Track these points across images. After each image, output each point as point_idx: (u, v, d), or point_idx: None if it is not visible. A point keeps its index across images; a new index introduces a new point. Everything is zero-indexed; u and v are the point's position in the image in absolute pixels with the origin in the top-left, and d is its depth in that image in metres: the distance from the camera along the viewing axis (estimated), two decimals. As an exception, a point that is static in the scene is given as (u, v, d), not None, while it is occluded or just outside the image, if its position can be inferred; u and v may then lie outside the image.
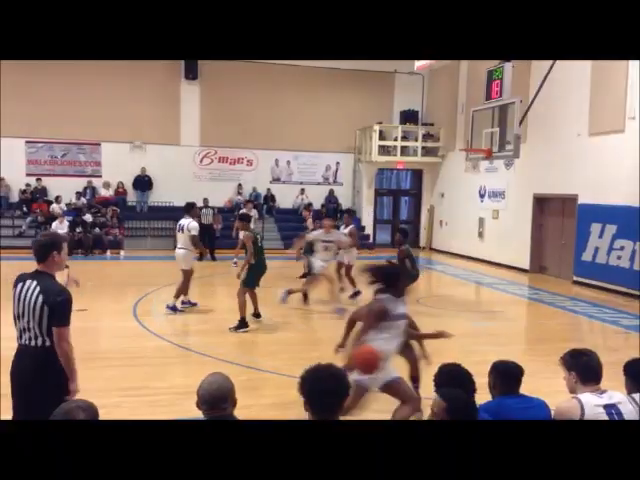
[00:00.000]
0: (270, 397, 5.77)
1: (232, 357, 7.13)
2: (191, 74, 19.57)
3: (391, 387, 4.61)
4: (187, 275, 9.82)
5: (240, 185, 20.32)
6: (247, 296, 8.86)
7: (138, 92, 19.10)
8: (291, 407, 2.87)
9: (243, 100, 19.82)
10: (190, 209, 10.15)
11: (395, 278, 4.71)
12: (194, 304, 10.12)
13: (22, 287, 3.68)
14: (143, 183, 19.46)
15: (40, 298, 3.58)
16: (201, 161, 20.25)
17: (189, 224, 9.70)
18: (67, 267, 3.92)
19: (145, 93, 19.17)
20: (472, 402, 3.04)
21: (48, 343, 3.60)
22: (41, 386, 3.56)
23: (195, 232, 9.71)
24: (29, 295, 3.61)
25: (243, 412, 2.94)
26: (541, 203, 15.50)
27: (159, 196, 19.61)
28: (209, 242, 16.66)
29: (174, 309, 9.65)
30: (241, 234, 10.95)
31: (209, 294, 12.56)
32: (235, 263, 15.21)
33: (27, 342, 3.64)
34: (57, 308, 3.57)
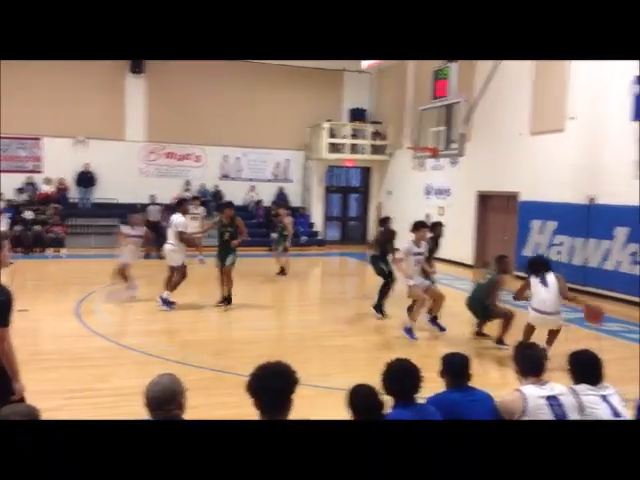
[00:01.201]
0: (219, 396, 5.71)
1: (180, 357, 7.02)
2: (137, 68, 19.10)
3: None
4: (180, 271, 9.80)
5: (188, 181, 20.01)
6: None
7: (82, 86, 18.51)
8: (241, 406, 2.84)
9: (191, 95, 19.51)
10: (179, 205, 10.26)
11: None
12: (173, 303, 9.86)
13: None
14: (86, 179, 18.89)
15: None
16: (147, 157, 19.84)
17: (176, 219, 9.81)
18: (11, 263, 3.80)
19: (89, 87, 18.58)
20: (374, 402, 3.01)
21: None
22: None
23: (182, 228, 9.79)
24: None
25: (192, 412, 2.89)
26: (484, 200, 15.91)
27: (103, 193, 19.08)
28: (156, 240, 16.35)
29: (167, 303, 9.72)
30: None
31: (155, 293, 12.31)
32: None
33: None
34: None
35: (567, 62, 12.74)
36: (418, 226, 8.68)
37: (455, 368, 3.59)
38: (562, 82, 12.97)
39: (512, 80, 14.05)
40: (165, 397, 2.69)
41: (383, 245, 9.48)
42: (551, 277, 7.41)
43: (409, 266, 8.40)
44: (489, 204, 15.89)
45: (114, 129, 19.12)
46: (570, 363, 3.67)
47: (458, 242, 16.38)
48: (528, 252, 13.91)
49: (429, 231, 9.10)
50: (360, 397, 3.03)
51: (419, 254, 8.46)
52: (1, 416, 2.43)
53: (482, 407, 3.45)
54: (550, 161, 13.26)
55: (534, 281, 7.40)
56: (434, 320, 8.79)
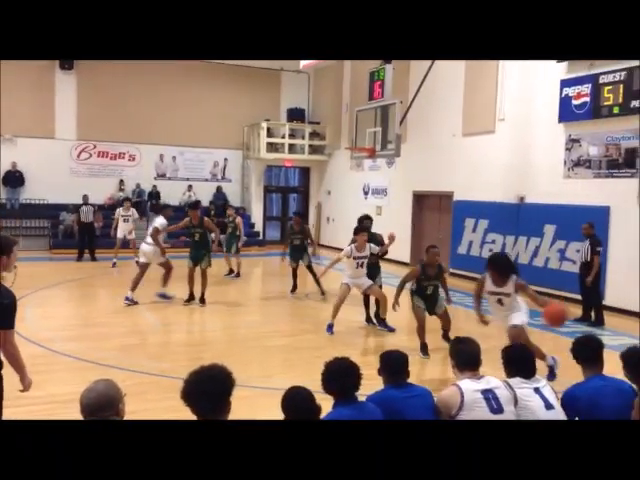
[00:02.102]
0: (156, 401, 5.60)
1: (115, 362, 6.84)
2: (67, 64, 18.45)
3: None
4: (167, 265, 10.34)
5: (122, 181, 19.49)
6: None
7: (8, 81, 17.62)
8: (180, 410, 2.80)
9: (124, 92, 19.00)
10: (160, 210, 11.10)
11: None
12: (136, 302, 10.08)
13: None
14: (14, 179, 18.09)
15: None
16: (78, 156, 19.18)
17: (156, 219, 10.50)
18: (15, 267, 3.82)
19: (17, 83, 17.72)
20: (309, 406, 2.99)
21: None
22: None
23: (157, 225, 10.20)
24: None
25: (130, 417, 2.83)
26: (420, 200, 16.28)
27: (32, 193, 18.32)
28: (89, 241, 15.87)
29: (165, 296, 10.41)
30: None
31: (89, 296, 11.95)
32: (114, 264, 14.60)
33: None
34: (2, 311, 3.55)
35: (497, 65, 13.21)
36: (357, 231, 8.71)
37: (393, 365, 3.66)
38: (492, 84, 13.42)
39: (445, 82, 14.43)
40: (100, 404, 2.62)
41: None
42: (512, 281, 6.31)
43: (349, 267, 8.54)
44: (424, 203, 16.26)
45: (43, 127, 18.40)
46: (504, 357, 3.80)
47: (395, 241, 16.66)
48: (462, 250, 14.33)
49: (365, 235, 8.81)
50: (295, 401, 3.01)
51: (360, 258, 8.52)
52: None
53: (421, 403, 3.53)
54: (482, 161, 13.70)
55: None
56: (382, 321, 8.90)
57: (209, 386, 2.68)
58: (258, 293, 13.22)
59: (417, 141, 15.57)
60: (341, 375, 3.26)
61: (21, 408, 4.79)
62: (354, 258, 8.48)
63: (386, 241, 8.93)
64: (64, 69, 18.53)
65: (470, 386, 3.48)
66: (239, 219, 13.61)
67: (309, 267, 11.50)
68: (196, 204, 10.83)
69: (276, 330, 8.94)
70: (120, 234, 15.00)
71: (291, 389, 3.10)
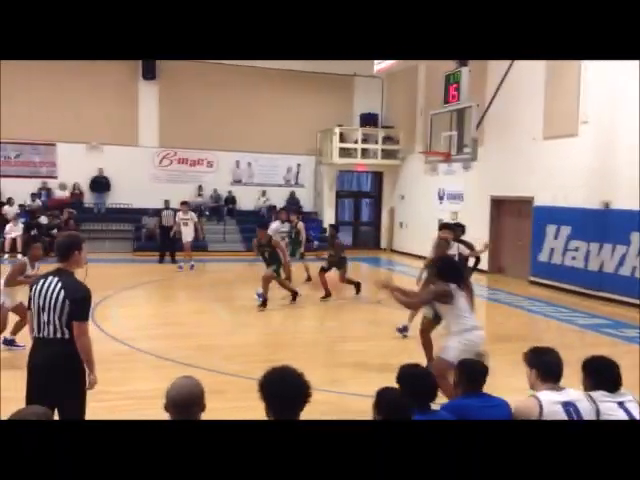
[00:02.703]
0: (235, 400, 5.73)
1: (193, 361, 7.05)
2: (150, 74, 19.28)
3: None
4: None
5: (200, 187, 20.13)
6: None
7: (95, 92, 18.71)
8: (257, 409, 2.85)
9: (203, 101, 19.64)
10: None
11: None
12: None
13: (43, 283, 3.90)
14: (100, 185, 19.07)
15: (62, 294, 3.82)
16: (160, 162, 19.97)
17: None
18: (86, 264, 4.19)
19: (102, 93, 18.79)
20: (403, 402, 2.96)
21: (67, 336, 3.84)
22: (60, 376, 3.78)
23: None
24: (50, 291, 3.85)
25: (208, 415, 2.91)
26: (498, 205, 15.84)
27: (117, 198, 19.25)
28: (169, 244, 16.43)
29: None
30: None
31: (169, 297, 12.40)
32: (180, 267, 15.01)
33: (47, 335, 3.85)
34: (78, 304, 3.84)
35: (580, 66, 12.67)
36: (441, 227, 8.62)
37: (473, 374, 3.57)
38: (575, 86, 12.89)
39: (524, 84, 14.00)
40: (192, 400, 2.72)
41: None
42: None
43: None
44: (503, 209, 15.81)
45: (127, 135, 19.29)
46: (585, 369, 3.61)
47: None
48: (544, 258, 13.83)
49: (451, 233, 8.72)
50: (388, 399, 2.97)
51: None
52: (20, 416, 2.47)
53: (498, 413, 3.42)
54: (564, 166, 13.17)
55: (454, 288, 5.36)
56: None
57: (287, 386, 2.72)
58: (331, 298, 13.25)
59: (495, 144, 15.16)
60: (414, 383, 3.21)
61: (103, 403, 5.02)
62: None
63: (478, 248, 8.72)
64: (147, 79, 19.36)
65: (550, 397, 3.34)
66: (301, 224, 13.62)
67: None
68: (264, 225, 11.21)
69: (348, 335, 8.95)
70: (184, 238, 15.32)
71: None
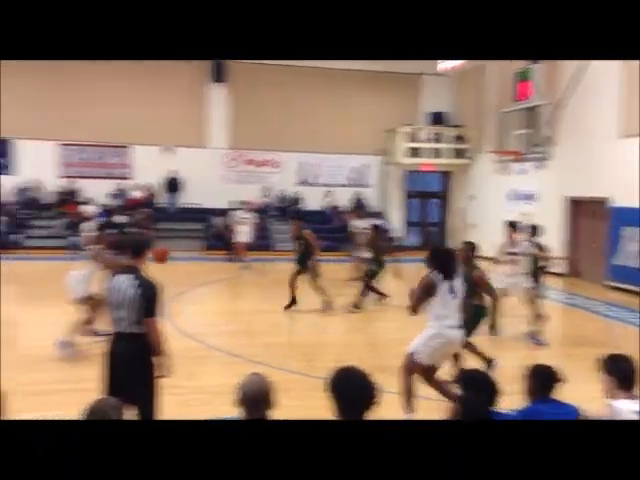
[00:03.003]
0: (301, 399, 5.79)
1: (261, 358, 7.17)
2: (219, 76, 19.76)
3: None
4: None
5: (267, 188, 20.43)
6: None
7: (167, 96, 19.39)
8: (320, 408, 2.88)
9: (269, 102, 19.93)
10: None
11: None
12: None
13: (118, 280, 4.12)
14: (173, 185, 19.70)
15: (138, 291, 4.02)
16: (228, 163, 20.41)
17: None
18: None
19: (174, 96, 19.45)
20: (485, 409, 2.97)
21: (141, 331, 4.04)
22: (136, 368, 4.02)
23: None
24: (126, 287, 4.05)
25: (276, 412, 2.96)
26: (574, 206, 15.24)
27: (188, 198, 19.82)
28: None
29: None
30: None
31: (237, 295, 12.68)
32: (245, 266, 15.10)
33: (123, 330, 4.07)
34: (151, 300, 4.05)
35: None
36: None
37: (544, 379, 3.48)
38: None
39: (599, 81, 13.43)
40: (263, 396, 2.79)
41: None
42: (458, 283, 5.23)
43: None
44: (578, 209, 15.21)
45: (197, 137, 19.85)
46: None
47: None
48: (619, 261, 13.22)
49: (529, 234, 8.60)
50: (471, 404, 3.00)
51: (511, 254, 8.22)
52: (96, 409, 2.58)
53: (571, 420, 3.33)
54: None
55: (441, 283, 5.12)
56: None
57: (352, 387, 2.73)
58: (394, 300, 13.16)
59: (569, 143, 14.60)
60: (476, 385, 3.18)
61: (173, 397, 5.19)
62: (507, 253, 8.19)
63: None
64: (216, 82, 19.84)
65: (627, 407, 3.23)
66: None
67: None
68: (297, 217, 10.92)
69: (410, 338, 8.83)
70: (238, 237, 15.38)
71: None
